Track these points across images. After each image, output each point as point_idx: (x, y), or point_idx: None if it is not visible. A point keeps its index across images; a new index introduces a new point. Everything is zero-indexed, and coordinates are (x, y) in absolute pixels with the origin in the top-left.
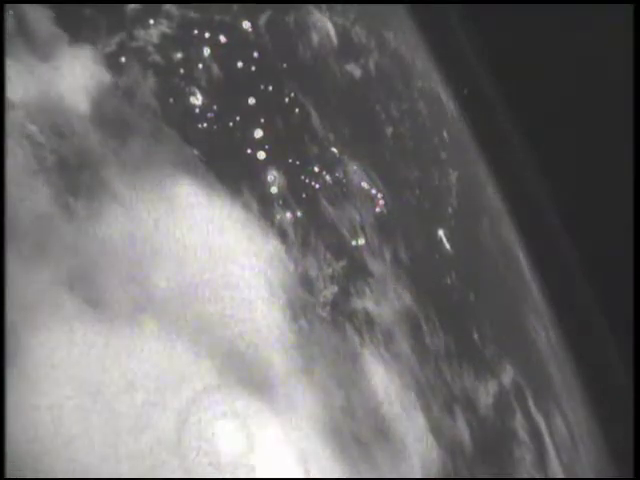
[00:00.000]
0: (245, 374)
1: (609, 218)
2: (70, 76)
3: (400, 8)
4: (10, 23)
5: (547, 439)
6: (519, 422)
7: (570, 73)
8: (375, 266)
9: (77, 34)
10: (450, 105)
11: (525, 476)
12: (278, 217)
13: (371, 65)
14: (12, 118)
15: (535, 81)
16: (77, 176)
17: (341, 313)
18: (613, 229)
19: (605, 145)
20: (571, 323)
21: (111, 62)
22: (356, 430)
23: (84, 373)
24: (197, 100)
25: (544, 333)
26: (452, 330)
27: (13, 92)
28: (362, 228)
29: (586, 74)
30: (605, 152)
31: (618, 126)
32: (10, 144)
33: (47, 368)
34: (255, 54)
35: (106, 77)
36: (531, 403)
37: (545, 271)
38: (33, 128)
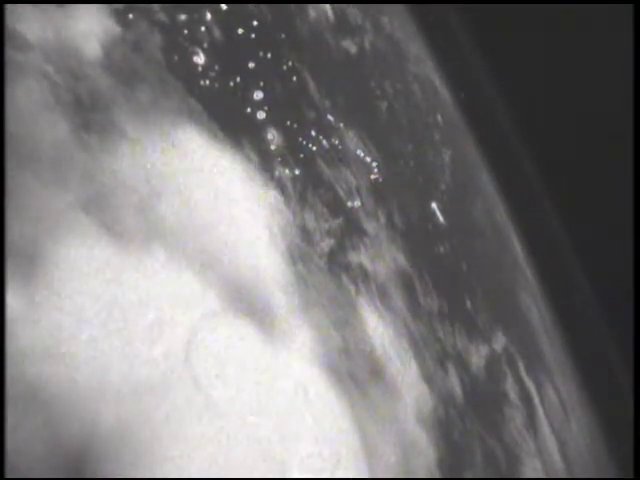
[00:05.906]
0: (247, 307)
1: (608, 207)
2: (83, 24)
3: (399, 5)
4: None
5: (538, 404)
6: (510, 385)
7: (569, 72)
8: (370, 227)
9: None
10: (445, 92)
11: (515, 434)
12: (277, 172)
13: (366, 44)
14: (30, 57)
15: (534, 80)
16: (90, 115)
17: (337, 264)
18: (612, 217)
19: (604, 143)
20: (565, 308)
21: (120, 17)
22: (352, 369)
23: (101, 286)
24: (200, 59)
25: (536, 311)
26: (445, 294)
27: (31, 32)
28: (358, 191)
29: (586, 74)
30: (603, 149)
31: (617, 125)
32: (29, 82)
33: (68, 278)
34: (255, 23)
35: (115, 29)
36: (522, 370)
37: (539, 256)
38: (49, 68)
